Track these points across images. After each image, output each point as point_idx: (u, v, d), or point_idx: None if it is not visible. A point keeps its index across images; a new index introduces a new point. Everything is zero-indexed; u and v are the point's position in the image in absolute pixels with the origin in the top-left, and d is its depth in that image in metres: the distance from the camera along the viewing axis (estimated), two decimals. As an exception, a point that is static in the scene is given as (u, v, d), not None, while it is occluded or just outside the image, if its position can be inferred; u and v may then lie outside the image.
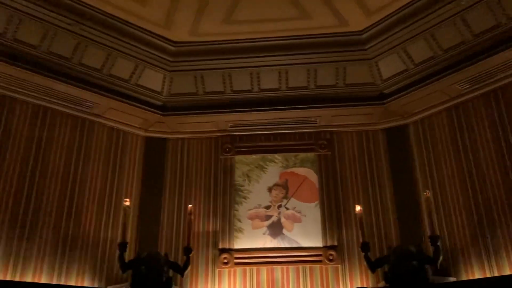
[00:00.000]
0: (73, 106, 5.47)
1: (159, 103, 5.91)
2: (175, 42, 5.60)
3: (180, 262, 5.11)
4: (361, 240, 5.00)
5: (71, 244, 5.09)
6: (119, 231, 5.16)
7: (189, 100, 5.93)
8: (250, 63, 5.75)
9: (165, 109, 5.92)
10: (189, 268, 5.08)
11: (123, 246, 4.86)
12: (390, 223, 5.50)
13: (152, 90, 5.81)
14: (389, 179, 5.70)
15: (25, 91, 5.15)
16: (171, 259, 5.19)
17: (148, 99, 5.81)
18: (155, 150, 6.05)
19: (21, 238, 4.77)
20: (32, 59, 5.01)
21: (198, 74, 5.81)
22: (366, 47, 5.57)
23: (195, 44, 5.63)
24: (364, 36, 5.52)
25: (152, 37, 5.46)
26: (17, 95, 5.13)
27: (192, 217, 5.29)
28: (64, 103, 5.40)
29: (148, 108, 5.80)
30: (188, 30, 5.43)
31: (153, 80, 5.76)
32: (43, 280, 4.78)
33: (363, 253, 4.96)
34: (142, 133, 6.05)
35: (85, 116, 5.61)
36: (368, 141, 5.97)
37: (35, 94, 5.20)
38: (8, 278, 4.55)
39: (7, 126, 5.02)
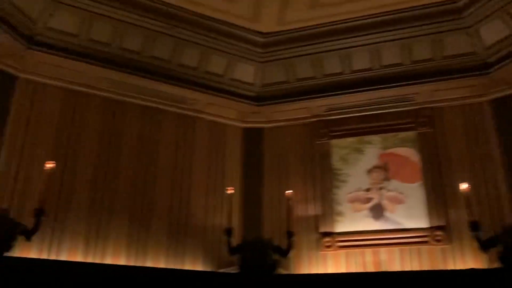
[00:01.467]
0: (176, 104, 5.89)
1: (253, 94, 6.13)
2: (264, 34, 5.76)
3: (283, 246, 5.27)
4: (469, 219, 4.74)
5: (183, 232, 5.52)
6: (225, 218, 5.46)
7: (281, 89, 6.07)
8: (340, 45, 5.72)
9: (259, 99, 6.12)
10: (292, 252, 5.23)
11: (229, 231, 5.16)
12: (503, 200, 5.13)
13: (246, 83, 6.05)
14: (499, 154, 5.30)
15: (133, 94, 5.66)
16: (275, 243, 5.37)
17: (242, 91, 6.06)
18: (252, 139, 6.27)
19: (140, 227, 5.29)
20: (136, 64, 5.51)
21: (288, 62, 5.92)
22: (463, 14, 5.22)
23: (283, 33, 5.75)
24: (460, 3, 5.17)
25: (242, 31, 5.67)
26: (126, 98, 5.66)
27: (292, 203, 5.42)
28: (168, 102, 5.84)
29: (243, 100, 6.05)
30: (276, 20, 5.55)
31: (245, 72, 5.99)
32: (161, 265, 5.26)
33: (473, 233, 4.70)
34: (239, 124, 6.31)
35: (187, 112, 5.99)
36: (472, 114, 5.59)
37: (142, 96, 5.70)
38: (131, 263, 5.10)
39: (120, 127, 5.57)
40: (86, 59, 5.28)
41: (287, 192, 5.42)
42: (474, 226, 4.67)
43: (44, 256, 4.73)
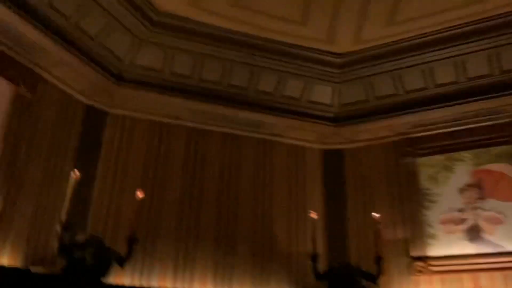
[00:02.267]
0: (255, 129, 5.97)
1: (331, 115, 6.05)
2: (340, 54, 5.71)
3: (372, 272, 5.05)
4: None
5: (267, 257, 5.49)
6: (309, 243, 5.35)
7: (360, 108, 5.95)
8: (421, 60, 5.51)
9: (338, 120, 6.04)
10: (382, 277, 4.99)
11: (314, 257, 5.04)
12: None
13: (323, 104, 6.00)
14: None
15: (213, 122, 5.83)
16: (363, 268, 5.16)
17: (320, 113, 6.01)
18: (333, 161, 6.16)
19: (225, 253, 5.35)
20: (215, 93, 5.70)
21: (367, 80, 5.80)
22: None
23: (360, 52, 5.66)
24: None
25: (317, 53, 5.66)
26: (207, 127, 5.83)
27: (380, 226, 5.20)
28: (247, 127, 5.93)
29: (322, 122, 6.00)
30: (352, 40, 5.49)
31: (322, 94, 5.95)
32: (247, 290, 5.26)
33: None
34: (319, 146, 6.22)
35: (266, 137, 6.04)
36: None
37: (222, 124, 5.85)
38: (218, 288, 5.16)
39: (203, 155, 5.73)
40: (169, 91, 5.55)
41: (373, 214, 5.22)
42: None
43: (136, 282, 4.92)
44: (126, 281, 4.84)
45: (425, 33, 5.34)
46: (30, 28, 4.46)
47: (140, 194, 4.67)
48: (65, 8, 4.65)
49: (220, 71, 5.60)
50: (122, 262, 4.43)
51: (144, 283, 4.94)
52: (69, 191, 4.35)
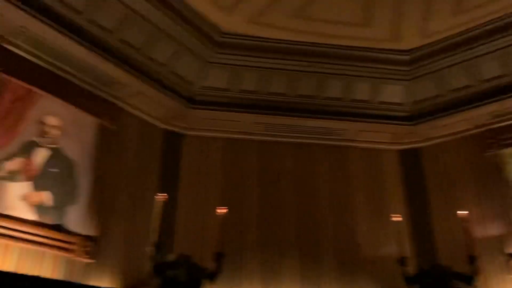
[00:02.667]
0: (327, 136, 5.95)
1: (405, 114, 5.89)
2: (407, 51, 5.56)
3: (465, 272, 4.81)
4: None
5: (353, 264, 5.42)
6: (394, 246, 5.21)
7: (435, 104, 5.74)
8: (494, 47, 5.23)
9: (413, 118, 5.86)
10: (477, 277, 4.74)
11: (403, 261, 4.89)
12: None
13: (395, 103, 5.86)
14: None
15: (285, 134, 5.89)
16: (456, 269, 4.94)
17: (393, 113, 5.87)
18: (410, 161, 5.98)
19: (310, 263, 5.35)
20: (284, 105, 5.76)
21: (438, 74, 5.60)
22: None
23: (429, 46, 5.48)
24: None
25: (384, 53, 5.56)
26: (279, 139, 5.90)
27: (468, 224, 4.96)
28: (318, 135, 5.93)
29: (396, 122, 5.86)
30: (418, 35, 5.34)
31: (393, 93, 5.82)
32: (337, 299, 5.22)
33: None
34: (395, 147, 6.08)
35: (339, 143, 6.00)
36: None
37: (293, 134, 5.89)
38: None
39: (277, 166, 5.80)
40: (239, 108, 5.70)
41: (460, 212, 4.98)
42: None
43: (226, 296, 5.05)
44: (217, 296, 4.98)
45: (495, 18, 5.07)
46: (108, 64, 4.79)
47: (221, 211, 4.81)
48: (136, 41, 4.95)
49: (286, 82, 5.67)
50: (212, 277, 4.57)
51: (234, 297, 5.07)
52: (156, 213, 4.58)
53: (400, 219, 5.06)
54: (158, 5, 4.76)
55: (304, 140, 5.92)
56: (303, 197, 5.69)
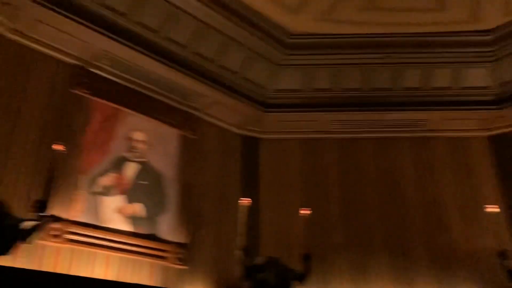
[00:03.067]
0: (407, 129, 5.73)
1: (492, 97, 5.55)
2: (489, 31, 5.23)
3: None
4: None
5: (447, 259, 5.16)
6: (491, 239, 4.91)
7: (525, 83, 5.31)
8: None
9: (502, 101, 5.49)
10: None
11: (504, 254, 4.55)
12: None
13: (480, 87, 5.53)
14: None
15: (363, 129, 5.77)
16: None
17: (478, 98, 5.55)
18: (503, 147, 5.57)
19: (401, 260, 5.17)
20: (359, 100, 5.67)
21: (527, 51, 5.18)
22: None
23: (513, 22, 5.09)
24: None
25: (463, 35, 5.26)
26: (357, 135, 5.79)
27: None
28: (398, 128, 5.73)
29: (482, 107, 5.51)
30: (500, 12, 4.98)
31: (477, 77, 5.49)
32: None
33: None
34: (483, 133, 5.72)
35: (422, 134, 5.76)
36: None
37: (373, 129, 5.76)
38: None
39: (357, 163, 5.68)
40: (314, 108, 5.66)
41: None
42: None
43: (316, 298, 5.02)
44: (307, 297, 4.96)
45: None
46: (185, 78, 4.99)
47: (304, 211, 4.79)
48: (208, 53, 5.11)
49: (360, 77, 5.54)
50: (302, 279, 4.56)
51: (326, 299, 5.03)
52: (242, 217, 4.66)
53: (497, 210, 4.73)
54: (228, 16, 4.87)
55: (384, 135, 5.75)
56: (388, 192, 5.52)
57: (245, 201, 4.71)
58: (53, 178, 3.77)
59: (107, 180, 4.47)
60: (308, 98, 5.68)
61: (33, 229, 2.87)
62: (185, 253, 4.74)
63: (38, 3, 3.97)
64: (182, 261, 4.69)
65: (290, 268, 4.64)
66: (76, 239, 4.03)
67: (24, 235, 2.80)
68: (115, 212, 4.41)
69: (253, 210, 5.19)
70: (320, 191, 5.57)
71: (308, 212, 4.77)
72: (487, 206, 4.82)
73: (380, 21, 5.09)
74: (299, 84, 5.65)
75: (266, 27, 5.19)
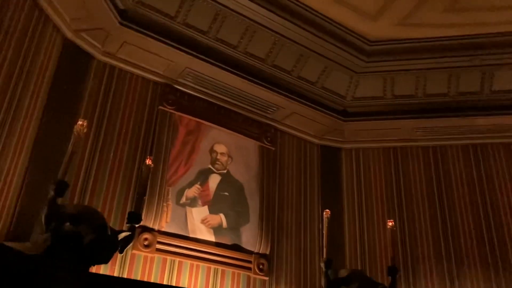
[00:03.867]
0: (500, 134, 5.37)
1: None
2: None
3: None
4: None
5: (501, 267, 4.77)
6: None
7: None
8: None
9: None
10: None
11: None
12: None
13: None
14: None
15: (450, 136, 5.49)
16: None
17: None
18: None
19: (496, 274, 4.82)
20: (445, 105, 5.38)
21: None
22: None
23: None
24: None
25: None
26: (444, 142, 5.54)
27: None
28: (490, 134, 5.38)
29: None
30: None
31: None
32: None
33: None
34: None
35: (475, 142, 5.45)
36: None
37: (461, 135, 5.46)
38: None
39: (446, 171, 5.40)
40: (396, 115, 5.47)
41: None
42: None
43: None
44: (393, 312, 4.77)
45: None
46: (263, 91, 5.06)
47: (390, 223, 4.64)
48: (286, 64, 5.13)
49: (445, 81, 5.27)
50: (396, 294, 4.41)
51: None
52: (325, 229, 4.61)
53: None
54: (303, 25, 4.87)
55: (473, 141, 5.43)
56: (480, 202, 5.18)
57: (327, 213, 4.66)
58: (145, 191, 4.02)
59: (192, 191, 4.63)
60: (389, 105, 5.50)
61: (128, 240, 3.05)
62: (267, 263, 4.77)
63: (125, 25, 4.24)
64: (264, 271, 4.73)
65: (375, 281, 4.50)
66: (165, 249, 4.22)
67: (121, 246, 2.98)
68: (199, 222, 4.55)
69: (336, 221, 5.14)
70: (407, 202, 5.37)
71: (392, 224, 4.62)
72: None
73: (464, 22, 4.80)
74: (380, 91, 5.49)
75: (344, 35, 5.11)
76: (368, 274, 4.67)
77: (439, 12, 4.77)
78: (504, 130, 5.30)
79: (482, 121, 5.26)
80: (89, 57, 4.40)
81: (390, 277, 4.41)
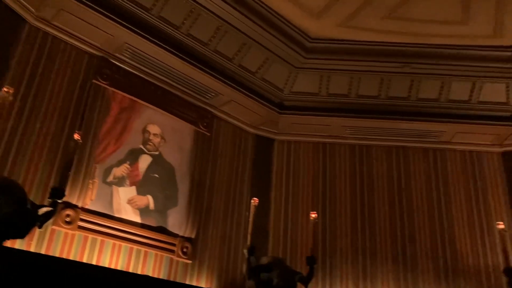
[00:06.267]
0: (421, 139, 5.73)
1: (508, 113, 5.49)
2: (510, 47, 5.17)
3: None
4: None
5: (452, 273, 5.16)
6: (500, 257, 4.89)
7: (543, 102, 5.28)
8: None
9: (517, 118, 5.45)
10: None
11: (509, 272, 4.54)
12: None
13: (498, 103, 5.48)
14: None
15: (376, 137, 5.78)
16: None
17: (494, 113, 5.50)
18: (517, 164, 5.57)
19: (405, 270, 5.19)
20: (374, 107, 5.65)
21: (547, 70, 5.14)
22: None
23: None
24: None
25: (485, 50, 5.18)
26: (370, 142, 5.83)
27: None
28: (412, 138, 5.74)
29: (498, 122, 5.48)
30: (524, 29, 4.94)
31: (495, 92, 5.45)
32: (435, 309, 5.01)
33: None
34: (497, 149, 5.70)
35: (435, 146, 5.77)
36: None
37: (386, 137, 5.77)
38: (402, 307, 5.02)
39: (369, 170, 5.70)
40: (329, 112, 5.67)
41: None
42: None
43: (316, 301, 5.07)
44: (309, 300, 5.01)
45: None
46: (203, 75, 5.03)
47: (313, 215, 4.82)
48: (228, 51, 5.14)
49: (377, 85, 5.54)
50: (306, 282, 4.59)
51: (326, 302, 5.07)
52: (251, 217, 4.70)
53: (502, 226, 4.71)
54: (249, 15, 4.90)
55: (397, 143, 5.77)
56: (398, 202, 5.53)
57: (253, 201, 4.76)
58: (70, 166, 3.88)
59: (120, 170, 4.54)
60: (323, 102, 5.69)
61: (48, 215, 2.94)
62: (191, 247, 4.80)
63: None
64: (187, 255, 4.75)
65: (294, 270, 4.68)
66: (87, 226, 4.11)
67: (41, 221, 2.87)
68: (125, 202, 4.48)
69: (264, 210, 5.26)
70: (331, 196, 5.60)
71: (315, 216, 4.81)
72: (498, 222, 4.81)
73: (401, 31, 5.07)
74: (315, 88, 5.66)
75: (287, 29, 5.21)
76: (288, 263, 4.83)
77: (379, 18, 4.99)
78: (424, 135, 5.68)
79: (406, 125, 5.60)
80: (20, 20, 4.13)
81: (308, 266, 4.62)
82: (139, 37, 4.51)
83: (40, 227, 2.98)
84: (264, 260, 4.68)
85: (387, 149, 5.78)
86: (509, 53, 5.21)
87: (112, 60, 4.72)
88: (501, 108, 5.50)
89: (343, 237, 5.38)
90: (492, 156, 5.70)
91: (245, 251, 4.61)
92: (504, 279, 4.52)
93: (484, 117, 5.50)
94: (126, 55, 4.74)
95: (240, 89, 5.31)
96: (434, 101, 5.54)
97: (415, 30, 5.07)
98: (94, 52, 4.61)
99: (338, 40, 5.32)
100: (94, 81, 4.55)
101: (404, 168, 5.69)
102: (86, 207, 4.17)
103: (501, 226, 4.73)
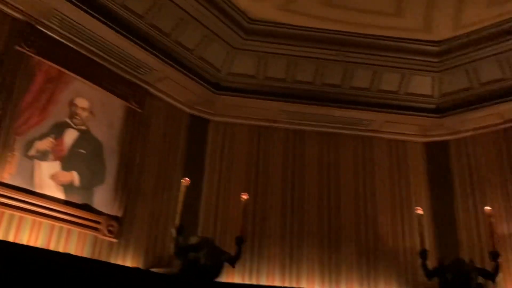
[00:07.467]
0: (351, 126, 5.91)
1: (433, 106, 5.80)
2: (438, 42, 5.45)
3: (488, 268, 4.76)
4: None
5: (373, 255, 5.42)
6: (417, 240, 5.19)
7: (464, 96, 5.61)
8: (531, 40, 5.06)
9: (441, 111, 5.75)
10: (500, 274, 4.69)
11: (424, 254, 4.87)
12: None
13: (424, 95, 5.76)
14: None
15: (310, 122, 5.89)
16: (477, 265, 4.89)
17: (420, 105, 5.78)
18: (437, 154, 5.90)
19: (330, 251, 5.38)
20: (310, 93, 5.75)
21: (469, 67, 5.46)
22: None
23: (460, 37, 5.34)
24: None
25: (414, 43, 5.45)
26: (304, 127, 5.91)
27: (493, 220, 4.89)
28: (343, 125, 5.91)
29: (423, 114, 5.77)
30: (450, 26, 5.21)
31: (422, 85, 5.72)
32: (355, 288, 5.25)
33: None
34: (421, 139, 6.00)
35: (364, 133, 5.97)
36: None
37: (318, 123, 5.89)
38: (326, 287, 5.20)
39: (301, 155, 5.82)
40: (265, 96, 5.69)
41: (486, 208, 4.92)
42: None
43: (246, 281, 5.13)
44: (236, 280, 5.07)
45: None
46: (137, 49, 4.85)
47: (244, 196, 4.87)
48: (165, 26, 4.99)
49: (313, 71, 5.63)
50: (233, 262, 4.65)
51: (254, 282, 5.14)
52: (180, 196, 4.66)
53: (420, 211, 5.01)
54: (188, -10, 4.78)
55: (329, 130, 5.90)
56: (326, 186, 5.70)
57: (185, 181, 4.71)
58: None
59: (44, 144, 4.30)
60: (260, 85, 5.70)
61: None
62: (117, 226, 4.67)
63: None
64: (113, 234, 4.62)
65: (223, 250, 4.72)
66: (5, 202, 3.86)
67: None
68: (48, 178, 4.26)
69: (195, 190, 5.22)
70: (263, 179, 5.65)
71: (246, 197, 4.85)
72: (417, 208, 5.10)
73: (338, 19, 5.18)
74: (253, 70, 5.65)
75: (226, 8, 5.15)
76: (218, 243, 4.85)
77: (317, 4, 5.05)
78: (355, 123, 5.86)
79: (338, 112, 5.75)
80: None
81: (236, 247, 4.67)
82: (69, 3, 4.25)
83: None
84: (193, 240, 4.69)
85: (319, 135, 5.91)
86: (436, 48, 5.48)
87: (38, 27, 4.41)
88: (427, 100, 5.79)
89: (272, 219, 5.46)
90: (416, 146, 6.00)
91: (173, 230, 4.59)
92: (419, 261, 4.86)
93: (410, 108, 5.77)
94: (55, 22, 4.45)
95: (176, 66, 5.17)
96: (366, 90, 5.73)
97: (351, 19, 5.19)
98: (19, 16, 4.28)
99: (276, 23, 5.33)
100: (17, 47, 4.24)
101: (335, 154, 5.86)
102: (4, 181, 3.92)
103: (419, 211, 5.04)
